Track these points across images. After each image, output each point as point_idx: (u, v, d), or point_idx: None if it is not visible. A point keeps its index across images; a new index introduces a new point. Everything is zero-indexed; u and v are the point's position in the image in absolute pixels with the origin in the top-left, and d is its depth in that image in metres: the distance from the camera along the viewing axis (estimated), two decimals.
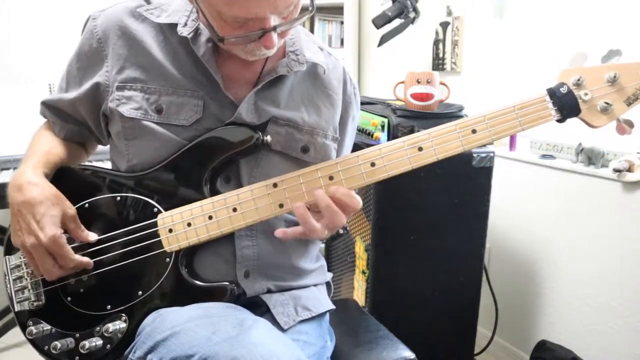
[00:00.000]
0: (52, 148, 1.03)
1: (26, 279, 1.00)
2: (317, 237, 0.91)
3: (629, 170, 1.69)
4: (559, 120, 0.90)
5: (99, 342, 0.93)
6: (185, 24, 0.96)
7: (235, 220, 0.92)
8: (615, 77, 0.87)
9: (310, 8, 0.87)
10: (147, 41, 0.97)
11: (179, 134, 0.96)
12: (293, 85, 1.02)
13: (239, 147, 0.94)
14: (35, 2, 2.46)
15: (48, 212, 0.91)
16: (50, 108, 1.07)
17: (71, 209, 0.95)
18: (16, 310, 1.00)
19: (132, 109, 0.96)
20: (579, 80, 0.88)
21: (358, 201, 0.89)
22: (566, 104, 0.88)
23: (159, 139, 0.95)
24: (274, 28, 0.84)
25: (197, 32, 0.96)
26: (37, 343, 0.97)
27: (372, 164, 0.91)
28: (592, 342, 1.87)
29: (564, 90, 0.88)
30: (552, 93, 0.89)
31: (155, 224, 0.95)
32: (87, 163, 1.12)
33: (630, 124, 0.90)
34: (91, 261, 0.95)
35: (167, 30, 0.98)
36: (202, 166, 0.95)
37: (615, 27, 1.77)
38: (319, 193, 0.89)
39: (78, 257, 0.93)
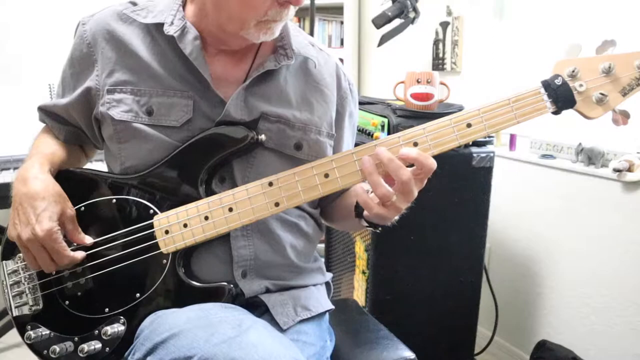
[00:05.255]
0: (56, 150, 1.04)
1: (24, 284, 0.99)
2: (391, 204, 0.86)
3: (629, 170, 1.68)
4: (555, 112, 0.88)
5: (98, 345, 0.92)
6: (172, 23, 0.96)
7: (231, 220, 0.92)
8: (610, 67, 0.86)
9: None
10: (134, 43, 0.97)
11: (171, 135, 0.96)
12: (285, 82, 1.02)
13: (233, 147, 0.94)
14: (36, 2, 2.46)
15: (48, 208, 0.91)
16: (48, 113, 1.08)
17: (71, 210, 0.95)
18: (14, 315, 1.00)
19: (123, 111, 0.96)
20: (573, 71, 0.87)
21: (432, 161, 0.85)
22: (561, 96, 0.87)
23: (151, 140, 0.96)
24: None
25: (183, 30, 0.95)
26: (36, 347, 0.97)
27: None
28: (592, 342, 1.87)
29: (558, 82, 0.87)
30: (547, 85, 0.88)
31: (151, 226, 0.94)
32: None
33: (626, 115, 0.88)
34: (84, 254, 0.95)
35: (154, 31, 0.98)
36: (197, 166, 0.94)
37: (611, 17, 1.76)
38: (380, 149, 0.87)
39: (72, 253, 0.93)
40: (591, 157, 1.83)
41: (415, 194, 0.88)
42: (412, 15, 1.76)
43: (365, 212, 0.94)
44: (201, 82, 0.96)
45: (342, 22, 3.19)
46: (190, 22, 0.97)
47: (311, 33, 2.19)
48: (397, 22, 1.78)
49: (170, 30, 0.95)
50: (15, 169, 2.03)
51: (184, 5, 0.99)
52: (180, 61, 0.97)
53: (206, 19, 0.95)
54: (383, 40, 1.86)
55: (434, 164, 0.85)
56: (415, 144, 0.88)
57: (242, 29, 0.91)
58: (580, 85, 0.87)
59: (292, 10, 0.91)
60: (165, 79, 0.96)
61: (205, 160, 0.94)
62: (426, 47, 2.54)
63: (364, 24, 3.15)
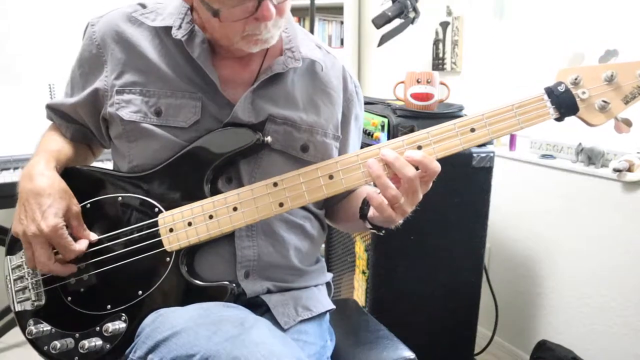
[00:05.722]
0: (62, 148, 1.05)
1: (27, 279, 1.00)
2: (399, 207, 0.88)
3: (629, 170, 1.69)
4: (557, 119, 0.90)
5: (99, 342, 0.93)
6: (180, 27, 0.97)
7: (235, 220, 0.93)
8: (612, 75, 0.87)
9: None
10: (143, 45, 0.98)
11: (179, 135, 0.96)
12: (292, 84, 1.02)
13: (239, 148, 0.95)
14: (36, 2, 2.46)
15: (54, 204, 0.91)
16: (55, 111, 1.09)
17: (76, 206, 0.96)
18: (16, 310, 1.00)
19: (132, 112, 0.97)
20: (576, 79, 0.88)
21: (436, 164, 0.87)
22: (564, 103, 0.88)
23: (159, 140, 0.96)
24: None
25: (191, 33, 0.96)
26: (37, 343, 0.97)
27: None
28: (592, 342, 1.88)
29: (561, 88, 0.89)
30: (550, 92, 0.89)
31: (156, 224, 0.95)
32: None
33: (628, 123, 0.90)
34: (93, 239, 0.95)
35: (162, 34, 0.99)
36: (203, 167, 0.95)
37: (613, 27, 1.77)
38: (385, 149, 0.88)
39: (78, 247, 0.93)
40: (591, 157, 1.83)
41: (420, 196, 0.89)
42: (412, 15, 1.77)
43: (369, 214, 0.94)
44: (209, 84, 0.97)
45: (342, 22, 3.19)
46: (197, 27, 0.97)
47: (311, 33, 2.19)
48: (397, 22, 1.79)
49: (179, 34, 0.96)
50: (15, 169, 2.03)
51: (191, 10, 1.00)
52: (188, 64, 0.97)
53: (207, 31, 0.96)
54: (383, 40, 1.86)
55: (438, 167, 0.87)
56: (419, 148, 0.89)
57: (231, 44, 0.92)
58: (583, 93, 0.89)
59: (272, 21, 0.89)
60: (173, 80, 0.97)
61: (212, 161, 0.95)
62: (426, 47, 2.55)
63: (364, 24, 3.15)
